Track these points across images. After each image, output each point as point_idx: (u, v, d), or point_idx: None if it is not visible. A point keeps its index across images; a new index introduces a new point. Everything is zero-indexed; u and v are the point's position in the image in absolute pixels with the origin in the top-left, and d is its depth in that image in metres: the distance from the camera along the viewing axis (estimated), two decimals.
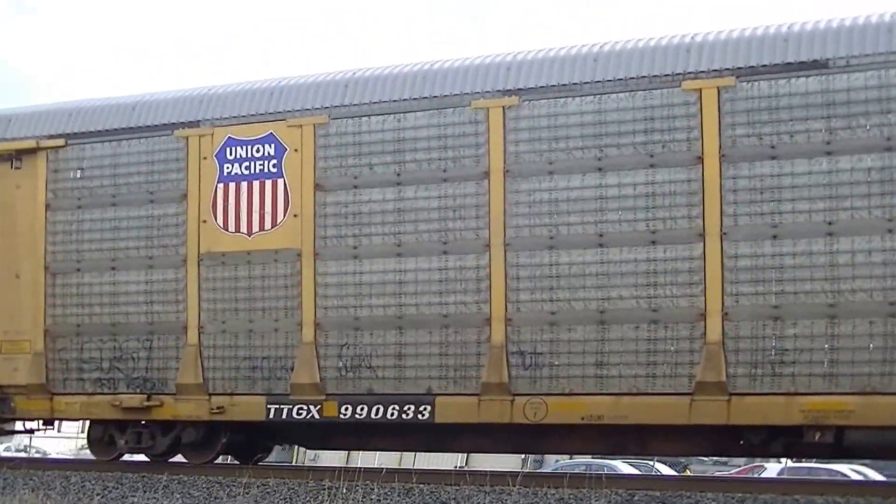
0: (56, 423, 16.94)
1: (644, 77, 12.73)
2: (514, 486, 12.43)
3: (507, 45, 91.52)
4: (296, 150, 14.08)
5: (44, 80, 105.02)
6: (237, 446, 15.46)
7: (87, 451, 41.90)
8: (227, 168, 14.40)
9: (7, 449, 35.41)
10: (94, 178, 15.10)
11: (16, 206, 15.54)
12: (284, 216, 14.09)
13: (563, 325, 12.85)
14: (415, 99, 13.67)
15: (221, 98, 14.73)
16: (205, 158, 14.51)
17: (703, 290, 12.35)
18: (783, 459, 27.42)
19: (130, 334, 14.80)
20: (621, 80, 12.82)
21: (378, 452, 17.23)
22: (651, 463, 30.11)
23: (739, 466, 31.84)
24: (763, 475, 26.96)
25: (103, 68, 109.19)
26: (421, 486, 13.01)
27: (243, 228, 14.29)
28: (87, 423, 15.93)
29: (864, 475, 26.47)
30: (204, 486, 13.70)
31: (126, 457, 15.81)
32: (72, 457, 31.51)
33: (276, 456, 22.18)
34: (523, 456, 31.77)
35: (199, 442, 14.73)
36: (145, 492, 13.74)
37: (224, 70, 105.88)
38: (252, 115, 14.42)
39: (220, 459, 15.79)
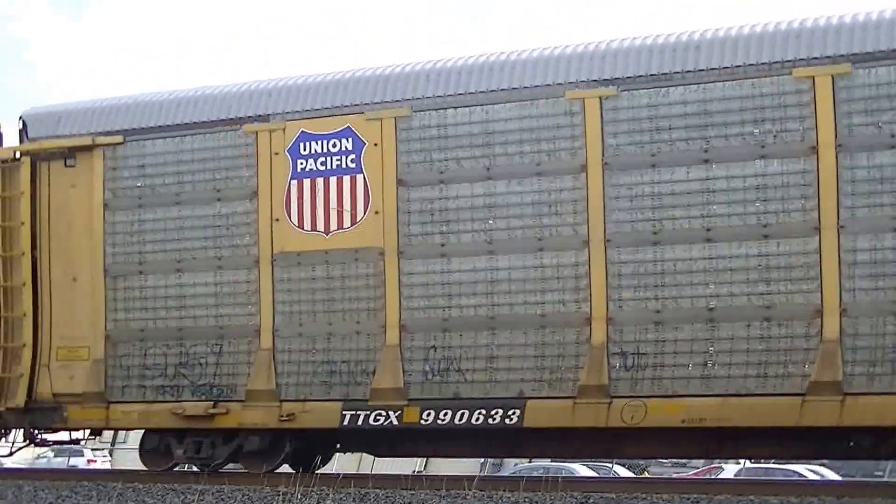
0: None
1: (751, 65, 12.20)
2: (470, 489, 12.24)
3: (507, 45, 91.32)
4: (375, 145, 13.44)
5: (43, 80, 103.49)
6: (296, 455, 14.66)
7: (43, 461, 40.60)
8: (301, 164, 13.73)
9: None
10: (155, 176, 14.38)
11: (71, 206, 14.78)
12: (365, 213, 13.45)
13: (668, 324, 12.32)
14: (503, 90, 13.09)
15: (293, 91, 14.07)
16: (276, 154, 13.83)
17: (819, 285, 11.86)
18: (741, 460, 27.21)
19: (198, 339, 14.09)
20: (727, 68, 12.28)
21: (336, 457, 16.41)
22: (609, 465, 29.82)
23: (698, 468, 31.59)
24: (720, 476, 26.82)
25: (103, 68, 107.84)
26: (377, 490, 12.69)
27: (320, 227, 13.63)
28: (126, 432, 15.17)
29: (821, 475, 26.31)
30: (159, 493, 13.36)
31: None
32: (26, 466, 30.59)
33: None
34: (482, 460, 31.07)
35: (262, 451, 14.04)
36: (99, 500, 13.37)
37: (224, 70, 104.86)
38: (327, 108, 13.78)
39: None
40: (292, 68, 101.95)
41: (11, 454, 15.32)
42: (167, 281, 14.24)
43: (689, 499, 11.70)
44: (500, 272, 12.92)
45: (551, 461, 26.60)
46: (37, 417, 14.76)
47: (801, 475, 25.42)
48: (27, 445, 15.55)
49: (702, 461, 30.12)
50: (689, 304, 12.26)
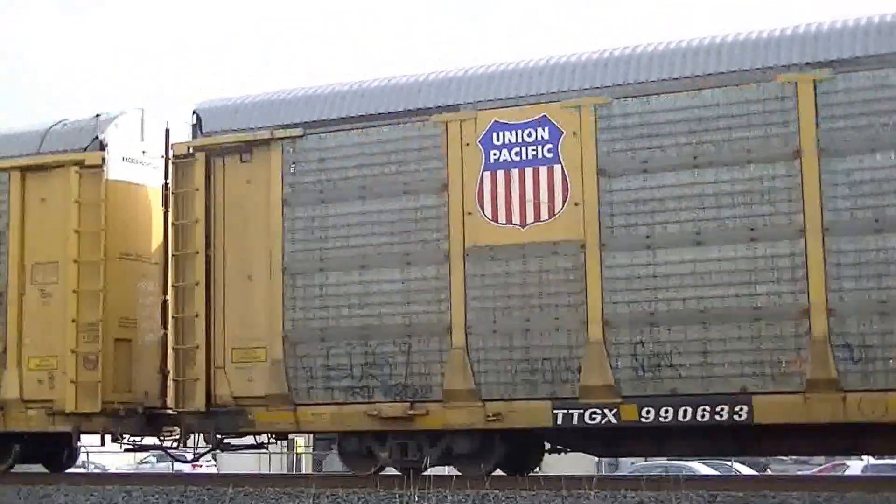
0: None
1: None
2: (591, 489, 11.98)
3: (507, 45, 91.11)
4: (574, 134, 13.01)
5: (43, 80, 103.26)
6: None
7: (146, 466, 40.40)
8: (494, 155, 13.31)
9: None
10: (338, 170, 13.96)
11: (246, 202, 14.35)
12: (563, 205, 13.01)
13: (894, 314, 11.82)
14: (709, 74, 12.66)
15: (484, 79, 13.66)
16: (467, 145, 13.40)
17: None
18: (864, 457, 26.59)
19: (385, 337, 13.60)
20: None
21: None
22: (729, 464, 29.32)
23: (821, 465, 31.06)
24: (845, 473, 26.28)
25: (103, 68, 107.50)
26: (496, 491, 12.46)
27: (515, 219, 13.19)
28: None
29: None
30: (272, 497, 13.27)
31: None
32: (131, 471, 30.28)
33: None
34: (597, 459, 30.41)
35: (473, 453, 13.56)
36: None
37: (224, 70, 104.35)
38: (521, 96, 13.36)
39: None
40: (292, 68, 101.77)
41: (196, 459, 14.87)
42: (350, 278, 13.79)
43: (819, 497, 11.42)
44: (710, 263, 12.44)
45: (668, 460, 26.13)
46: (221, 421, 14.27)
47: None
48: (212, 451, 15.14)
49: (823, 458, 29.50)
50: None
